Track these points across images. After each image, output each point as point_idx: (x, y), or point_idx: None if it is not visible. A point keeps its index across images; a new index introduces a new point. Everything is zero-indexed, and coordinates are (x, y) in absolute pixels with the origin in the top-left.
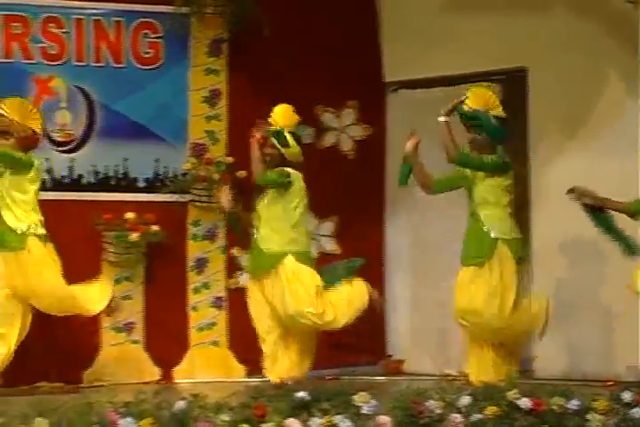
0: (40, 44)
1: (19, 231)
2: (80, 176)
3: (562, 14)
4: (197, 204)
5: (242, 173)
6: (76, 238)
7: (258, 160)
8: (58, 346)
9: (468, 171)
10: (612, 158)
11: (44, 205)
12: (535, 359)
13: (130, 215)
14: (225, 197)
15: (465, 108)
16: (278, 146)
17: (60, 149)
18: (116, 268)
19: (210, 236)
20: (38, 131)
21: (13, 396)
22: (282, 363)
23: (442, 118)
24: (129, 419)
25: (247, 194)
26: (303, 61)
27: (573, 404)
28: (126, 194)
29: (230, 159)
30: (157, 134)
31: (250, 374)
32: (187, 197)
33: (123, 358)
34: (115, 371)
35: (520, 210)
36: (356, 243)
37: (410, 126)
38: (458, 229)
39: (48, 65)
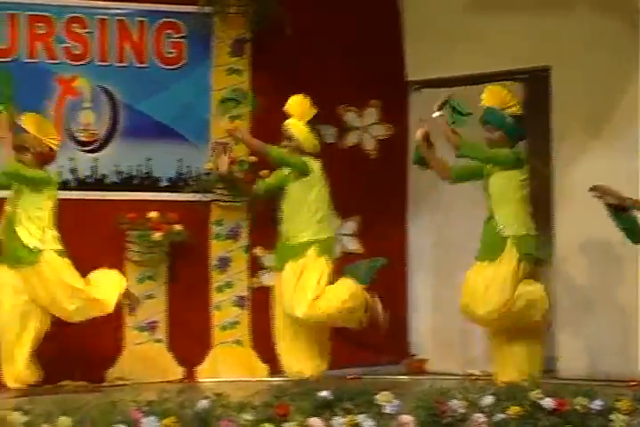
0: (64, 45)
1: (31, 247)
2: (103, 176)
3: (585, 13)
4: (220, 203)
5: (265, 173)
6: (99, 238)
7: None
8: (81, 345)
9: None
10: (635, 158)
11: (68, 205)
12: (559, 360)
13: (153, 215)
14: (222, 162)
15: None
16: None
17: (84, 148)
18: (139, 267)
19: (232, 235)
20: (55, 147)
21: (38, 395)
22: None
23: (436, 114)
24: (152, 418)
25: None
26: (325, 61)
27: (597, 404)
28: (149, 193)
29: (253, 158)
30: (180, 134)
31: (273, 373)
32: (209, 197)
33: (146, 357)
34: (138, 370)
35: (543, 210)
36: (379, 242)
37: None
38: (480, 230)
39: (72, 65)
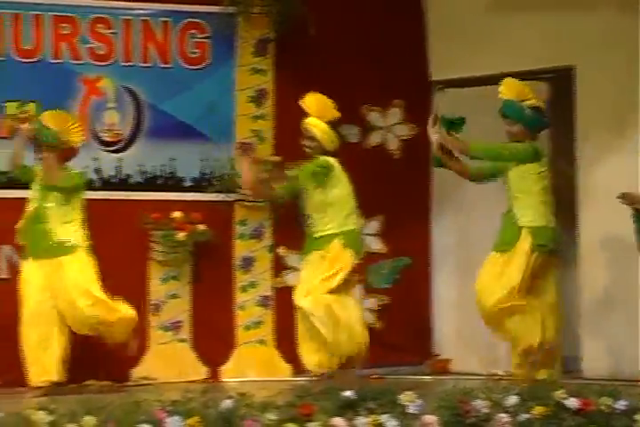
0: (88, 45)
1: (66, 241)
2: (128, 176)
3: (609, 12)
4: (244, 203)
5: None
6: (123, 237)
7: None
8: (106, 345)
9: None
10: None
11: (92, 205)
12: (582, 360)
13: (177, 215)
14: (246, 169)
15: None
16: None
17: (108, 148)
18: (163, 267)
19: (256, 235)
20: (77, 144)
21: (62, 394)
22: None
23: (434, 137)
24: (176, 417)
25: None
26: (349, 61)
27: (621, 404)
28: (173, 193)
29: (277, 158)
30: (204, 134)
31: (296, 372)
32: (233, 197)
33: (170, 357)
34: (162, 370)
35: (567, 209)
36: (402, 242)
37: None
38: None
39: (96, 65)
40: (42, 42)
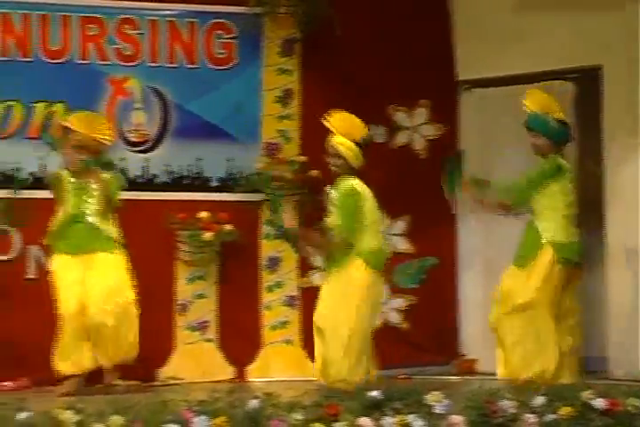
0: (115, 46)
1: (113, 237)
2: (154, 176)
3: (636, 11)
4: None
5: (314, 173)
6: (150, 237)
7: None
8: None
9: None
10: None
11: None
12: (609, 361)
13: (203, 215)
14: (288, 218)
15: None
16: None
17: (135, 149)
18: (189, 267)
19: (282, 235)
20: (107, 142)
21: (90, 394)
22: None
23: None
24: (203, 417)
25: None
26: (375, 61)
27: None
28: (200, 193)
29: (303, 158)
30: (230, 134)
31: None
32: (259, 197)
33: (196, 357)
34: (189, 369)
35: (595, 209)
36: (429, 242)
37: (483, 125)
38: None
39: (123, 66)
40: (69, 43)
